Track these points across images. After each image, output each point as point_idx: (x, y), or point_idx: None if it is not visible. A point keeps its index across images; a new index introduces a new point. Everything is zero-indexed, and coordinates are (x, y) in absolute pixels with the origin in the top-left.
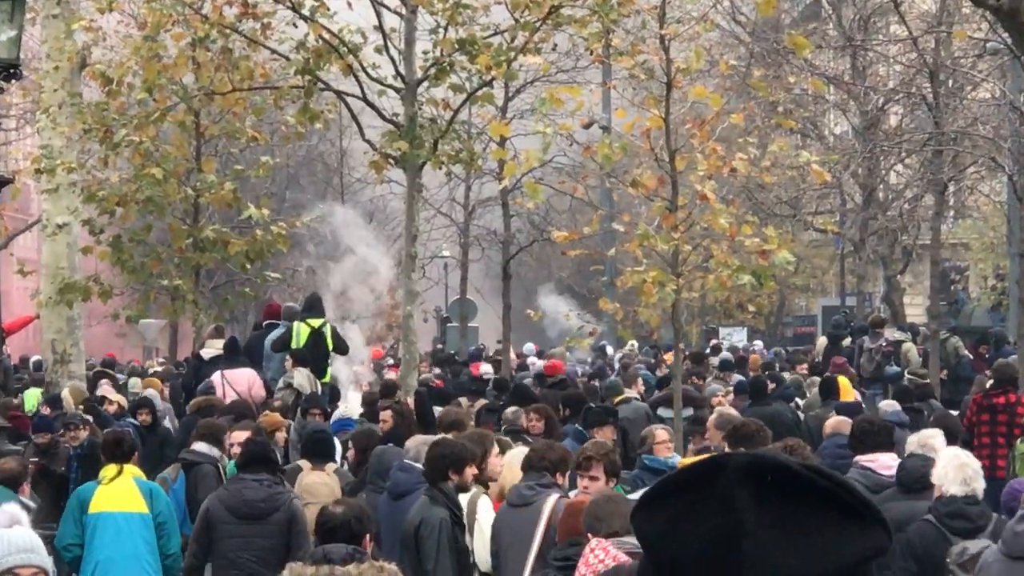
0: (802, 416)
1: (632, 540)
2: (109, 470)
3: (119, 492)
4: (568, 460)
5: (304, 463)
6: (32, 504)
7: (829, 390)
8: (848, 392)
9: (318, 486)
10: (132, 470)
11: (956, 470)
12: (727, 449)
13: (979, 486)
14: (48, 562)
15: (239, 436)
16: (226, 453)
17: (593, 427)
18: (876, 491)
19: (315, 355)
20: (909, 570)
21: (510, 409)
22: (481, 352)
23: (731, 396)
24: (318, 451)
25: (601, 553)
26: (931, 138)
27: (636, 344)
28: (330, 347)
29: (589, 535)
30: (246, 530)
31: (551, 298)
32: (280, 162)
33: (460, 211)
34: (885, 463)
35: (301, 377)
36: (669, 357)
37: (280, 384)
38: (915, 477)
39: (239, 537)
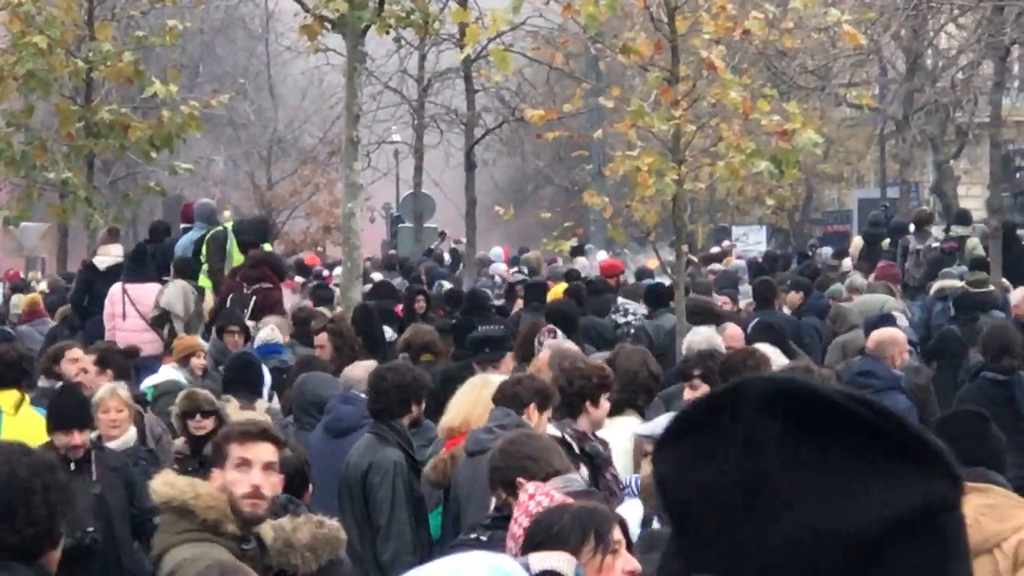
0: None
1: (576, 477)
2: (8, 397)
3: (27, 426)
4: (553, 394)
5: (229, 400)
6: None
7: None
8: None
9: None
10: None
11: None
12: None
13: None
14: None
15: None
16: None
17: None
18: None
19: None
20: None
21: None
22: (441, 255)
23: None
24: (244, 382)
25: (544, 499)
26: None
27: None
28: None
29: (521, 480)
30: None
31: None
32: (192, 27)
33: (413, 86)
34: None
35: (172, 293)
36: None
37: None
38: None
39: None
